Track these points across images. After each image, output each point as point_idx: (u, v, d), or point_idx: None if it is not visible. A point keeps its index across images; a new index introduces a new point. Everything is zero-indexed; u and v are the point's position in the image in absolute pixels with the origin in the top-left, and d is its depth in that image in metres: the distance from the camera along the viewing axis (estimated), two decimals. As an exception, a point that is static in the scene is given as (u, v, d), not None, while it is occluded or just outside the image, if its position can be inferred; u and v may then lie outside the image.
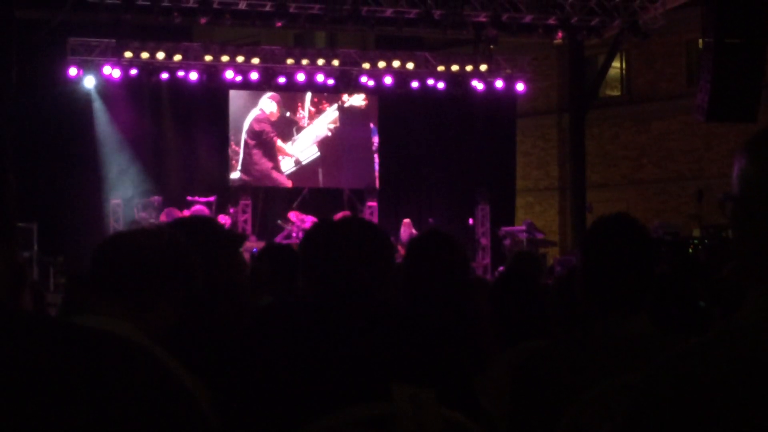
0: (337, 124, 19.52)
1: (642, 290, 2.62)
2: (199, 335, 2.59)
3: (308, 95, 19.33)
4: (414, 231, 16.77)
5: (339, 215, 17.30)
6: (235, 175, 18.99)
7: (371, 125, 19.66)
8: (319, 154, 19.42)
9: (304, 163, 19.34)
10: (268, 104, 19.21)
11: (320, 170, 19.44)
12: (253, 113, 19.14)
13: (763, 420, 1.32)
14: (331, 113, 19.54)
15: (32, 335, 1.18)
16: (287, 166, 19.29)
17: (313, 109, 19.43)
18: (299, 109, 19.35)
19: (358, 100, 19.59)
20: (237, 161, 19.06)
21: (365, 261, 2.44)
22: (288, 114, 19.32)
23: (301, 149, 19.36)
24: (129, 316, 2.20)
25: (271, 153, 19.22)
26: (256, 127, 19.14)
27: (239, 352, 2.40)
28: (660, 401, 1.39)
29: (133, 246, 2.28)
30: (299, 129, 19.37)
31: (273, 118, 19.24)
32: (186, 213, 16.65)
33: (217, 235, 2.73)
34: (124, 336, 1.28)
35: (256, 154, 19.12)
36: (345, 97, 19.48)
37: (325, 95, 19.43)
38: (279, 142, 19.23)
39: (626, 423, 1.46)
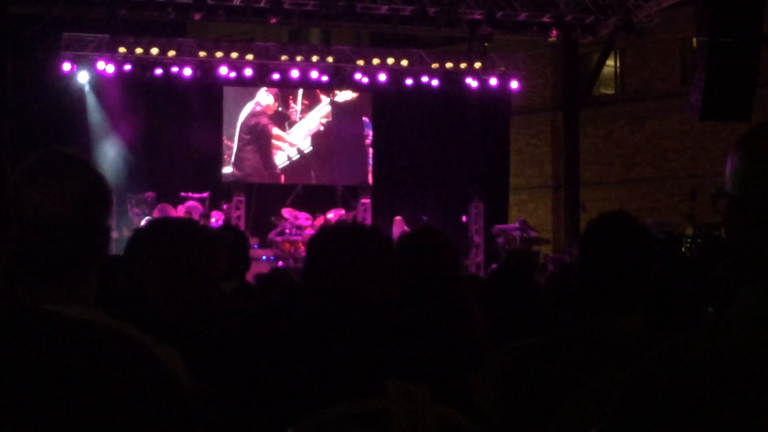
0: (330, 119, 19.53)
1: (638, 289, 2.61)
2: (187, 329, 2.60)
3: (300, 89, 19.34)
4: (406, 228, 16.77)
5: (332, 212, 17.33)
6: (227, 169, 19.00)
7: (364, 119, 19.66)
8: (312, 148, 19.44)
9: (298, 155, 19.35)
10: (264, 97, 19.22)
11: (313, 166, 19.46)
12: (249, 107, 19.15)
13: (752, 416, 1.32)
14: (324, 107, 19.54)
15: (30, 328, 1.18)
16: (281, 159, 19.30)
17: (307, 102, 19.43)
18: (291, 103, 19.36)
19: (349, 93, 19.57)
20: (230, 156, 19.07)
21: (366, 266, 2.45)
22: (280, 108, 19.34)
23: (294, 143, 19.39)
24: (88, 298, 1.88)
25: (265, 149, 19.23)
26: (251, 122, 19.16)
27: (234, 347, 2.41)
28: (650, 397, 1.40)
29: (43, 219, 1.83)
30: (291, 123, 19.39)
31: (270, 111, 19.27)
32: (180, 208, 16.66)
33: (201, 235, 2.73)
34: (121, 329, 1.28)
35: (250, 150, 19.13)
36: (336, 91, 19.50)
37: (317, 90, 19.44)
38: (275, 130, 19.24)
39: (617, 418, 1.46)
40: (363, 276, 2.44)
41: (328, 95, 19.50)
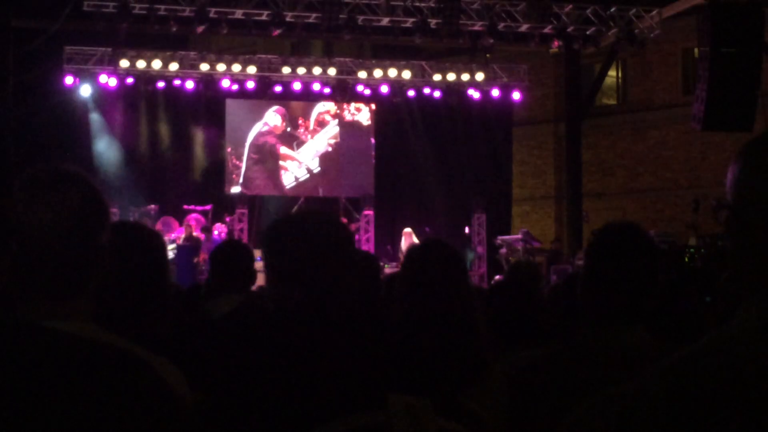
0: (338, 140, 19.58)
1: (644, 301, 2.59)
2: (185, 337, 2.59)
3: (315, 110, 19.39)
4: (415, 240, 16.76)
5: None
6: (235, 189, 19.01)
7: (372, 140, 19.72)
8: (320, 168, 19.49)
9: (307, 174, 19.38)
10: (273, 117, 19.26)
11: (321, 184, 19.52)
12: (257, 127, 19.17)
13: (755, 429, 1.31)
14: (332, 128, 19.58)
15: (27, 344, 1.18)
16: (289, 179, 19.33)
17: (318, 128, 19.49)
18: (300, 124, 19.41)
19: (363, 118, 19.63)
20: (238, 175, 19.07)
21: (324, 257, 2.34)
22: (289, 129, 19.38)
23: (303, 162, 19.44)
24: (86, 313, 1.79)
25: (273, 168, 19.25)
26: (259, 141, 19.19)
27: (233, 361, 2.40)
28: (651, 410, 1.39)
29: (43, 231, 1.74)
30: (300, 143, 19.42)
31: (277, 132, 19.30)
32: (190, 219, 16.66)
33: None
34: (118, 344, 1.28)
35: (258, 170, 19.16)
36: (348, 113, 19.53)
37: (328, 112, 19.49)
38: (283, 149, 19.26)
39: (618, 431, 1.45)
40: (319, 266, 2.32)
41: (335, 117, 19.54)
